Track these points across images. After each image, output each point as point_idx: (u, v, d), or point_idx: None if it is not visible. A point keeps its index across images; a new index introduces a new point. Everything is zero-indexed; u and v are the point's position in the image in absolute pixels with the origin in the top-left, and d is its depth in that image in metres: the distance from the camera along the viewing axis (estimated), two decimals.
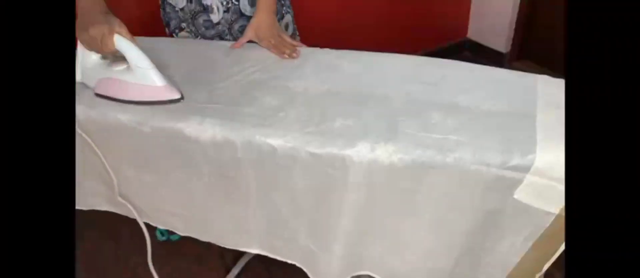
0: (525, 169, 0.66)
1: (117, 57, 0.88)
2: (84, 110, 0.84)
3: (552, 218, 0.69)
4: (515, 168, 0.66)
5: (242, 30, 1.10)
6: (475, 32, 2.46)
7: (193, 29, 1.17)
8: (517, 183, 0.68)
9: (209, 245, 0.98)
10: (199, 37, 1.17)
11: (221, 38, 1.17)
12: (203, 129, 0.77)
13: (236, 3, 1.12)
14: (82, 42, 0.85)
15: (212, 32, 1.16)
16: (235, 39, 1.13)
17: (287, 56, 0.98)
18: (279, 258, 0.93)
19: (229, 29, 1.16)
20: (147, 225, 1.01)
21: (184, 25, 1.17)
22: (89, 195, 1.01)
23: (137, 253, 1.37)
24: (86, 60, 0.89)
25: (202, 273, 1.34)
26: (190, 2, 1.12)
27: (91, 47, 0.84)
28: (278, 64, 0.96)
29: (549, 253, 0.74)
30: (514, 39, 2.31)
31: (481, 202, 0.71)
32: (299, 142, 0.72)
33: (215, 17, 1.13)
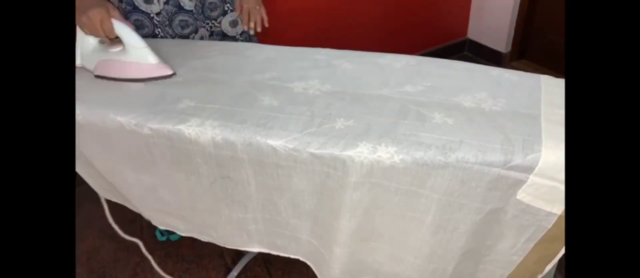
0: (528, 169, 0.66)
1: (114, 40, 0.93)
2: (82, 112, 0.84)
3: (555, 219, 0.69)
4: (517, 168, 0.66)
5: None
6: (475, 32, 2.46)
7: (170, 31, 1.13)
8: (519, 183, 0.67)
9: (209, 245, 0.98)
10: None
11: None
12: (203, 130, 0.76)
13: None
14: (80, 26, 0.89)
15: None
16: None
17: (252, 26, 1.17)
18: (282, 254, 0.92)
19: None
20: (148, 224, 1.00)
21: (159, 31, 1.13)
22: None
23: (137, 253, 1.37)
24: (85, 45, 0.94)
25: (202, 273, 1.33)
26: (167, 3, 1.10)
27: (90, 30, 0.88)
28: (278, 65, 0.96)
29: (550, 254, 0.74)
30: (514, 39, 2.31)
31: (483, 202, 0.70)
32: (299, 143, 0.72)
33: (155, 8, 1.10)
